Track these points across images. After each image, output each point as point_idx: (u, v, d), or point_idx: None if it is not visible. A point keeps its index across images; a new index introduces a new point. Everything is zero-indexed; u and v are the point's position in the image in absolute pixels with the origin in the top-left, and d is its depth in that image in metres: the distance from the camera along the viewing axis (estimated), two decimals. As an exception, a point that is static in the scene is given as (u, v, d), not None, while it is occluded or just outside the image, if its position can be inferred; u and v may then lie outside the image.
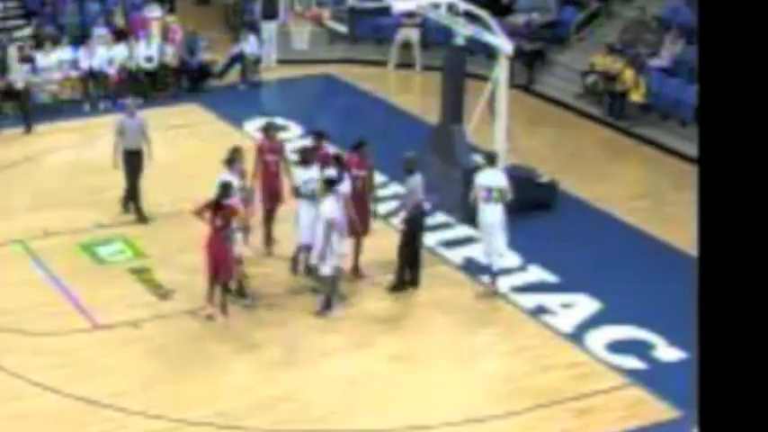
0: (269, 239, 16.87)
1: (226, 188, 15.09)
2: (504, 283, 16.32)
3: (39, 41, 24.25)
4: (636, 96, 22.42)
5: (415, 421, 13.30)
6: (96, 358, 14.53)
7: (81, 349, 14.68)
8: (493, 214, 15.91)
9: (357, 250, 16.24)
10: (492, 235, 15.97)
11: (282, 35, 26.34)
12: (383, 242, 17.34)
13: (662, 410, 13.57)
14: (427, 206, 16.24)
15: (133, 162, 17.99)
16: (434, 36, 24.82)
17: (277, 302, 15.77)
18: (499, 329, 15.71)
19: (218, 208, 15.00)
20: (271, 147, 16.82)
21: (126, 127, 18.11)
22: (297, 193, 15.93)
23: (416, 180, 15.95)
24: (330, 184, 15.20)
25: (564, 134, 22.49)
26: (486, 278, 16.32)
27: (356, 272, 16.30)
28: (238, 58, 25.01)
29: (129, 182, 18.05)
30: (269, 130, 17.16)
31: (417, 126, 21.59)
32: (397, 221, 16.49)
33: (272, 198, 16.76)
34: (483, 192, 16.01)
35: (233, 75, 25.07)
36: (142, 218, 18.03)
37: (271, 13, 25.86)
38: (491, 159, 16.47)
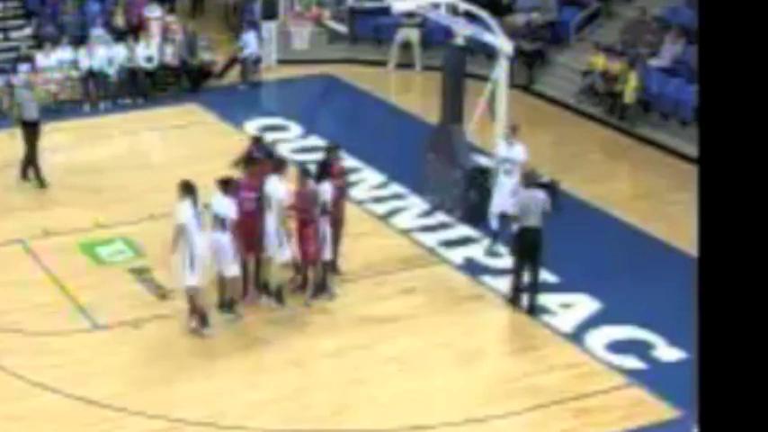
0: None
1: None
2: (503, 284, 16.33)
3: (39, 41, 24.27)
4: (628, 96, 22.43)
5: (415, 421, 13.30)
6: (96, 358, 14.53)
7: (81, 349, 14.69)
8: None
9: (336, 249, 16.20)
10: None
11: (282, 35, 26.35)
12: (381, 243, 17.41)
13: (662, 410, 13.57)
14: (520, 222, 15.71)
15: (30, 132, 19.46)
16: (434, 36, 24.83)
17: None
18: (499, 329, 15.73)
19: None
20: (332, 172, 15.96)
21: (23, 98, 19.87)
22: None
23: (531, 195, 15.67)
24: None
25: (564, 134, 22.50)
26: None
27: (334, 269, 16.26)
28: (238, 58, 25.01)
29: (28, 150, 19.47)
30: (332, 153, 16.34)
31: (417, 126, 21.60)
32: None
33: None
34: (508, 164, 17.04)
35: (233, 75, 25.08)
36: (42, 183, 19.50)
37: (271, 13, 25.86)
38: (515, 130, 17.44)
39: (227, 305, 15.28)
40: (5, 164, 20.41)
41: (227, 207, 14.83)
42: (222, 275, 15.13)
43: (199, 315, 14.89)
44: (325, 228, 15.45)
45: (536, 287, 15.69)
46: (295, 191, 15.45)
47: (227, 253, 14.91)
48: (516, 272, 15.79)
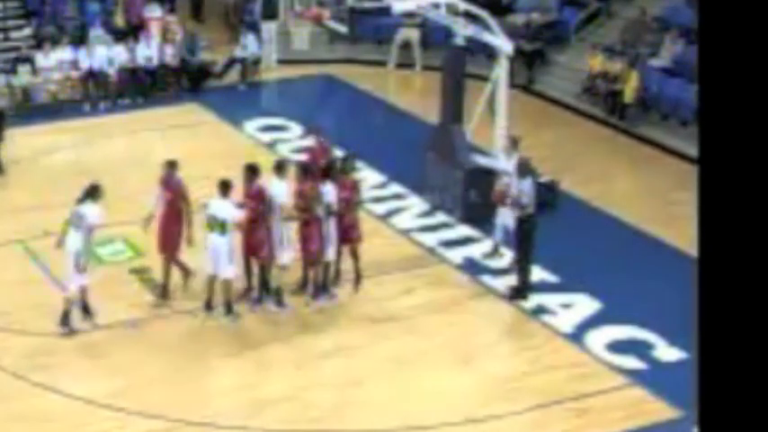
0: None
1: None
2: (503, 283, 16.33)
3: (39, 41, 24.27)
4: (628, 96, 22.43)
5: (415, 421, 13.30)
6: (96, 358, 14.54)
7: (81, 349, 14.69)
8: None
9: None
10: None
11: (282, 35, 26.34)
12: (381, 243, 17.39)
13: (662, 410, 13.57)
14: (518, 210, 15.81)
15: None
16: (434, 36, 24.84)
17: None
18: (499, 329, 15.72)
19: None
20: (343, 183, 15.79)
21: None
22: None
23: (532, 184, 15.73)
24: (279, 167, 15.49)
25: (564, 134, 22.50)
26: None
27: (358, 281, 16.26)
28: (238, 58, 25.02)
29: None
30: (346, 163, 16.22)
31: (417, 126, 21.59)
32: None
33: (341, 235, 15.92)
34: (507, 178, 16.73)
35: (233, 75, 25.08)
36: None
37: (271, 13, 25.86)
38: (515, 143, 17.29)
39: (225, 307, 15.30)
40: (5, 164, 20.43)
41: (227, 210, 14.85)
42: (216, 277, 15.13)
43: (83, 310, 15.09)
44: (330, 229, 15.43)
45: (526, 272, 15.83)
46: (295, 190, 15.45)
47: (224, 255, 14.93)
48: (527, 265, 15.82)
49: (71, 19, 25.56)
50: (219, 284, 15.23)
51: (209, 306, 15.30)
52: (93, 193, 14.88)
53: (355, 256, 16.06)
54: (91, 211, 14.74)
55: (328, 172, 15.68)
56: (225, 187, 14.99)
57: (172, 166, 15.69)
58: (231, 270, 15.08)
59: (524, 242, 15.79)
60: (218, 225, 14.84)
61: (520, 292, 15.92)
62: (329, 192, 15.37)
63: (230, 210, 14.86)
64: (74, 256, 14.70)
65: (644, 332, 15.15)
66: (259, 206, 15.15)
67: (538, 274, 16.53)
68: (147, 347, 14.77)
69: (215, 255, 14.97)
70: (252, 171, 15.43)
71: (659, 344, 14.91)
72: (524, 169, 15.92)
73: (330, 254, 15.57)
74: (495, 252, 17.15)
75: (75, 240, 14.73)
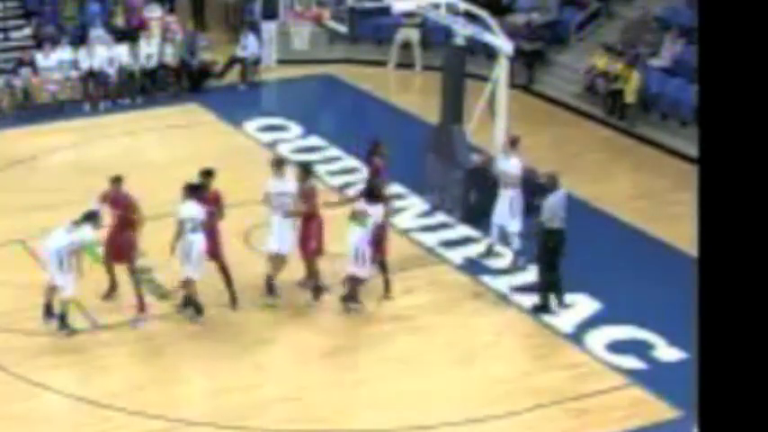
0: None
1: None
2: (503, 283, 16.34)
3: (39, 41, 24.26)
4: (629, 95, 22.42)
5: (415, 421, 13.31)
6: (96, 358, 14.54)
7: (81, 349, 14.69)
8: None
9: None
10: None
11: (282, 35, 26.34)
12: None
13: (662, 410, 13.58)
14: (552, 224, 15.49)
15: None
16: (434, 36, 24.83)
17: (276, 302, 15.78)
18: (499, 329, 15.72)
19: None
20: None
21: None
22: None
23: (558, 197, 15.53)
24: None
25: (564, 134, 22.49)
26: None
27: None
28: (238, 58, 25.02)
29: None
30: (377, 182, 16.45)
31: (417, 126, 21.59)
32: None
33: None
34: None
35: (233, 75, 25.07)
36: None
37: (271, 13, 25.84)
38: (513, 143, 17.16)
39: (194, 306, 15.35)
40: (5, 164, 20.45)
41: (198, 210, 14.95)
42: (189, 277, 15.15)
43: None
44: (365, 246, 15.28)
45: (549, 286, 15.60)
46: (296, 190, 15.46)
47: (203, 254, 15.02)
48: (543, 275, 15.65)
49: (71, 19, 25.55)
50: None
51: (199, 309, 15.28)
52: (93, 218, 14.91)
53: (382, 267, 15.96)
54: (89, 233, 14.82)
55: (373, 192, 15.65)
56: (192, 189, 15.07)
57: (117, 181, 15.67)
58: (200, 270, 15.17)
59: (550, 256, 15.52)
60: (199, 226, 14.91)
61: (543, 306, 15.70)
62: (377, 212, 15.35)
63: (200, 210, 14.94)
64: (56, 254, 14.69)
65: (644, 332, 15.16)
66: (212, 210, 15.20)
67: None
68: (147, 347, 14.79)
69: (200, 256, 14.99)
70: (207, 175, 15.51)
71: (659, 344, 14.91)
72: (553, 183, 15.64)
73: (363, 272, 15.39)
74: (489, 252, 17.12)
75: (61, 239, 14.73)
